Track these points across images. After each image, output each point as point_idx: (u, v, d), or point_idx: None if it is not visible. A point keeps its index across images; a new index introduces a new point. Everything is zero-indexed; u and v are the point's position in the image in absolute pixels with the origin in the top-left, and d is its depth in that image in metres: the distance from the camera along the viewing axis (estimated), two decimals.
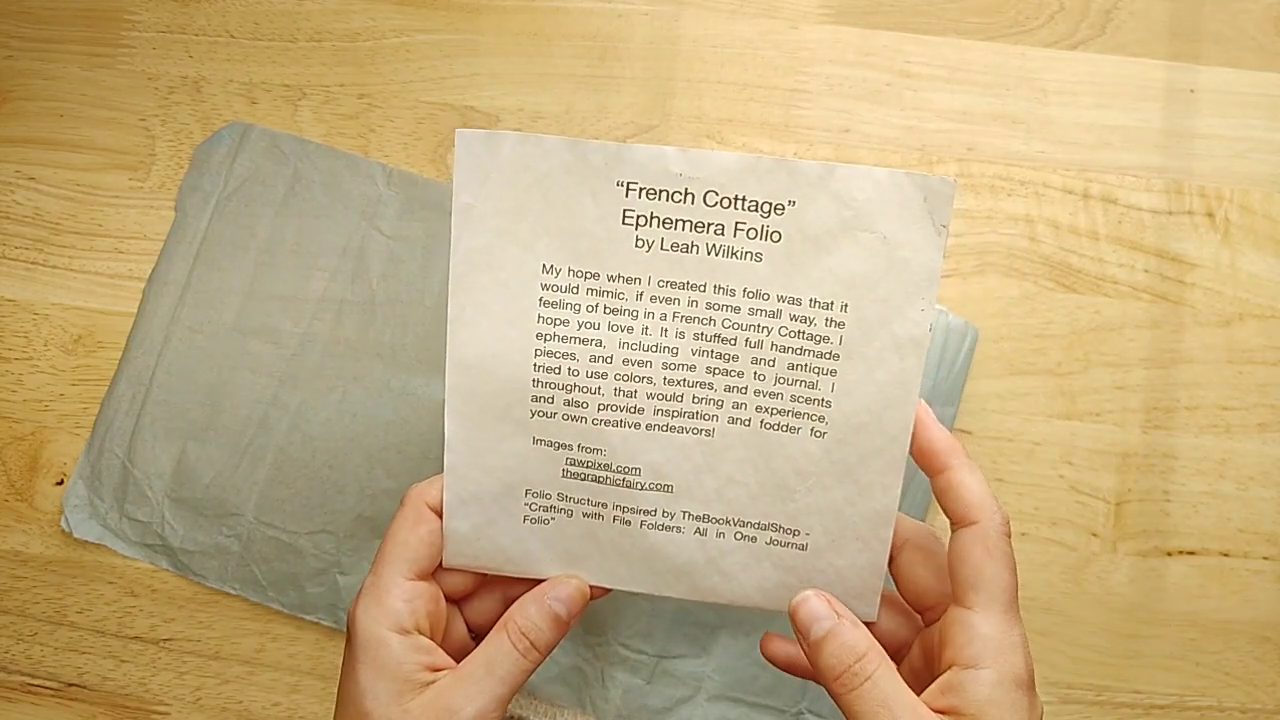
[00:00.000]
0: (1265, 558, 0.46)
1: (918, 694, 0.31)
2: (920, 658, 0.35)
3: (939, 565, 0.34)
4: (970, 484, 0.33)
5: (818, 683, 0.33)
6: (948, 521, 0.34)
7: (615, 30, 0.49)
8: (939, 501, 0.34)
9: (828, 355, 0.33)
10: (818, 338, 0.33)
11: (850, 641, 0.32)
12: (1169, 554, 0.46)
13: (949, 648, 0.32)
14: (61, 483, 0.48)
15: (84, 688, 0.47)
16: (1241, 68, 0.49)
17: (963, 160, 0.48)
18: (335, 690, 0.46)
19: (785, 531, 0.35)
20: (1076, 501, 0.47)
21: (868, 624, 0.34)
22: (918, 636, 0.35)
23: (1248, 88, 0.49)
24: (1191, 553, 0.46)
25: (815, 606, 0.33)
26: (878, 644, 0.32)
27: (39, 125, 0.49)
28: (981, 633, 0.31)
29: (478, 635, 0.36)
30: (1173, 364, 0.47)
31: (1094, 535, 0.46)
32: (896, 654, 0.35)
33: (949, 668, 0.31)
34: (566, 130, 0.49)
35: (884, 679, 0.31)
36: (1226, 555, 0.46)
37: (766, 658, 0.38)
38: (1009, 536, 0.32)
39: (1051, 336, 0.47)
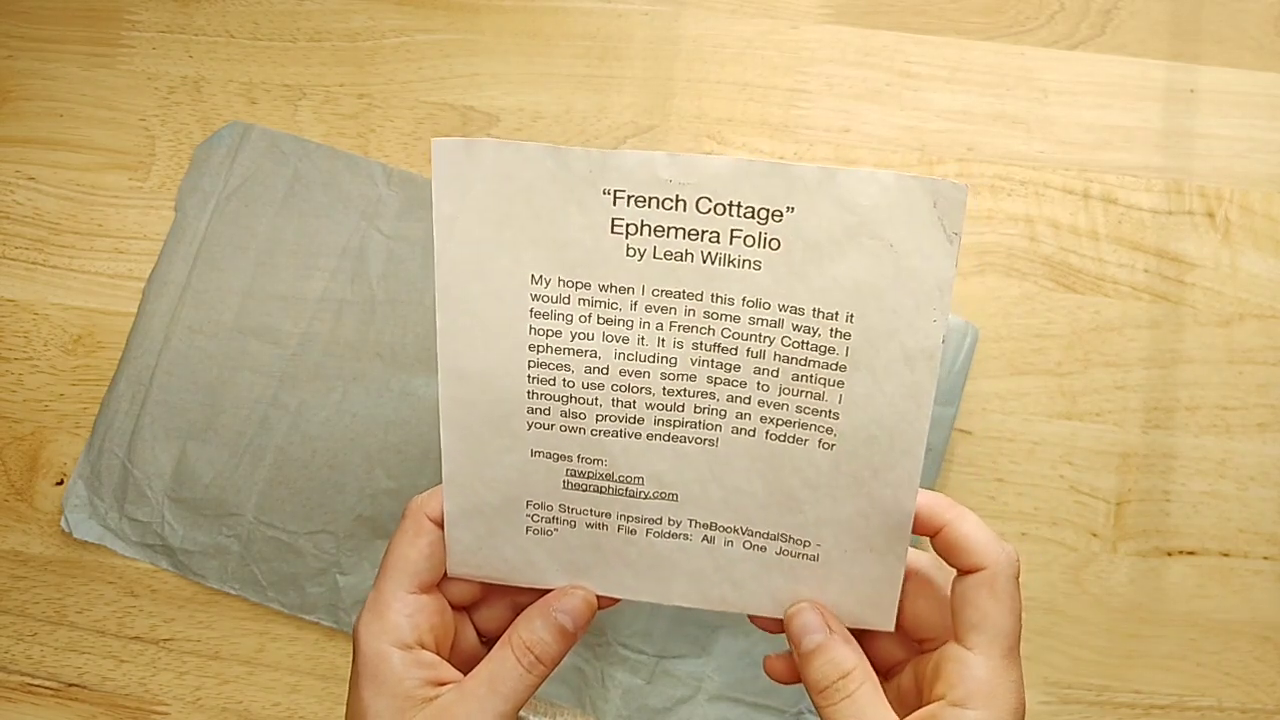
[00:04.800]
0: (1265, 558, 0.46)
1: (900, 715, 0.31)
2: (911, 681, 0.34)
3: (941, 599, 0.34)
4: (973, 534, 0.32)
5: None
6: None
7: (615, 30, 0.49)
8: (943, 557, 0.33)
9: (834, 366, 0.32)
10: (823, 348, 0.32)
11: (837, 658, 0.32)
12: (1169, 554, 0.46)
13: (942, 682, 0.32)
14: (61, 483, 0.48)
15: (84, 688, 0.47)
16: (1241, 68, 0.49)
17: (963, 160, 0.48)
18: (335, 690, 0.46)
19: (795, 542, 0.34)
20: (1076, 501, 0.47)
21: (884, 633, 0.34)
22: (912, 661, 0.35)
23: (1248, 88, 0.49)
24: (1191, 553, 0.46)
25: (808, 619, 0.33)
26: (865, 663, 0.32)
27: (39, 125, 0.49)
28: (977, 674, 0.31)
29: (489, 642, 0.36)
30: (1173, 364, 0.47)
31: (1094, 535, 0.46)
32: (888, 672, 0.35)
33: (938, 700, 0.31)
34: (567, 130, 0.49)
35: (864, 698, 0.31)
36: (1226, 555, 0.46)
37: (771, 676, 0.37)
38: (1018, 578, 0.32)
39: (1051, 336, 0.47)
